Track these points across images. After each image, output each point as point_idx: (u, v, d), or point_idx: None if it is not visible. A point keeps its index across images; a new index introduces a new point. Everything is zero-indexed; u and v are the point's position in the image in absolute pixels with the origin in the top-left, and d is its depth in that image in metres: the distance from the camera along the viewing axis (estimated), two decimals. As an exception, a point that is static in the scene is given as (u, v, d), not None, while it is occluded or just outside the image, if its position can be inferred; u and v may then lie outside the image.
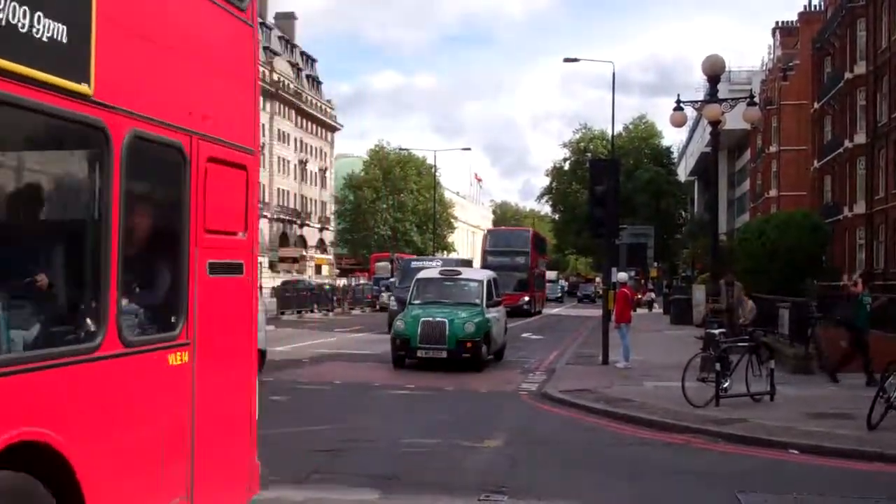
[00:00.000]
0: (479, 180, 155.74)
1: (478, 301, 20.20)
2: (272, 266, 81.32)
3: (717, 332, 15.55)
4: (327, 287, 55.51)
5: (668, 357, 20.48)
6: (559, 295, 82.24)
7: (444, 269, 23.68)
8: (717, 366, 13.79)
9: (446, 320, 18.84)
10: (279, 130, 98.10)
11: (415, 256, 50.27)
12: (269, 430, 11.59)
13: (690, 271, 65.92)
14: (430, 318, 18.95)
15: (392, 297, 33.84)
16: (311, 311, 45.85)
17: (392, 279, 59.27)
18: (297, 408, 13.76)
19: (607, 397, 14.66)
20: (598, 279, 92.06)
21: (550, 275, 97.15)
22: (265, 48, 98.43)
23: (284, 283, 53.59)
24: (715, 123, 18.74)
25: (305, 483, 8.63)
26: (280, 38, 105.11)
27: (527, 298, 47.64)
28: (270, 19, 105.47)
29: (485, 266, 44.80)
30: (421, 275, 22.32)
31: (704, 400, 13.43)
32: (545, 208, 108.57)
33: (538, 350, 25.63)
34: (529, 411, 14.07)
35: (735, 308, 18.12)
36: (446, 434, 11.46)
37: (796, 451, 10.77)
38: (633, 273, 42.72)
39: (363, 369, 19.39)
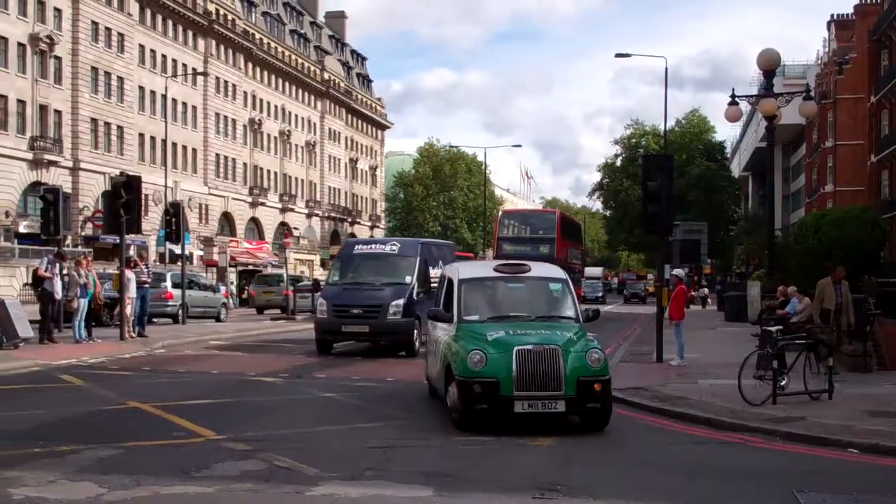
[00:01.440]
0: (530, 178, 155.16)
1: (571, 314, 13.24)
2: (324, 264, 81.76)
3: (773, 329, 15.33)
4: None
5: (724, 355, 20.27)
6: (599, 294, 72.37)
7: (503, 264, 14.45)
8: (774, 363, 13.60)
9: (559, 348, 11.53)
10: (330, 129, 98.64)
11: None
12: (323, 426, 11.71)
13: (745, 268, 65.17)
14: (531, 346, 11.44)
15: (322, 301, 22.50)
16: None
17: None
18: (350, 404, 13.81)
19: (662, 395, 14.54)
20: (650, 276, 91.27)
21: (593, 271, 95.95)
22: (316, 47, 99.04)
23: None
24: (770, 118, 18.50)
25: (360, 479, 8.65)
26: (330, 37, 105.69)
27: None
28: (321, 18, 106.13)
29: (498, 257, 40.70)
30: (465, 274, 13.68)
31: (761, 398, 13.26)
32: (596, 205, 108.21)
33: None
34: (583, 409, 13.95)
35: (845, 308, 17.40)
36: (499, 431, 11.42)
37: (856, 451, 10.59)
38: (686, 270, 42.32)
39: (415, 367, 19.39)
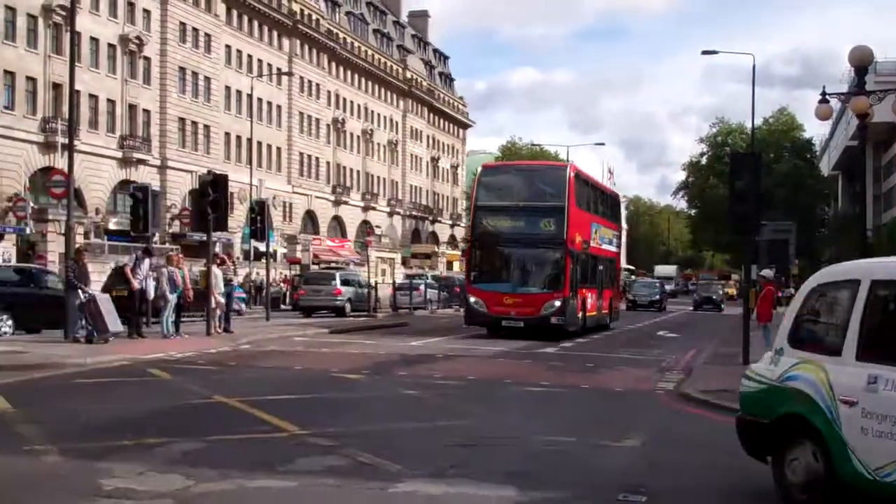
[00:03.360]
0: (611, 175, 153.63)
1: None
2: (405, 262, 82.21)
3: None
4: None
5: (812, 357, 19.81)
6: (656, 299, 55.32)
7: None
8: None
9: None
10: (412, 128, 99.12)
11: None
12: (406, 423, 11.75)
13: (834, 269, 63.63)
14: None
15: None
16: (449, 308, 46.84)
17: None
18: (432, 403, 13.82)
19: (748, 398, 14.22)
20: (735, 277, 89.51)
21: (665, 269, 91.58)
22: (399, 46, 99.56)
23: (437, 279, 55.62)
24: (862, 116, 18.01)
25: (443, 477, 8.63)
26: (413, 36, 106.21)
27: (558, 303, 26.20)
28: (404, 18, 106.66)
29: (474, 238, 28.32)
30: None
31: (852, 402, 12.88)
32: (681, 203, 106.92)
33: (674, 348, 25.16)
34: (667, 411, 13.79)
35: None
36: (582, 432, 11.32)
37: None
38: (773, 270, 41.17)
39: (496, 365, 19.37)
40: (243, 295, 41.64)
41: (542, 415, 13.03)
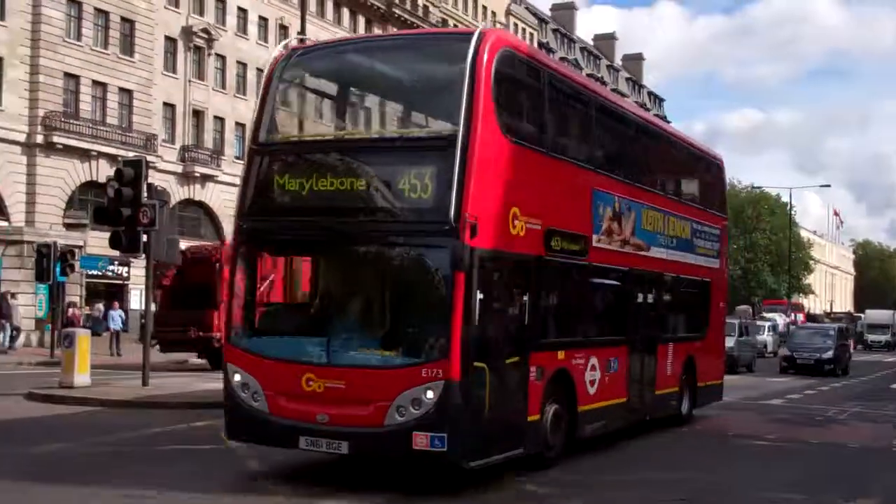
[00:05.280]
0: (838, 216, 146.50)
1: None
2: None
3: None
4: None
5: None
6: (827, 357, 33.50)
7: None
8: None
9: None
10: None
11: None
12: (615, 476, 11.40)
13: None
14: None
15: None
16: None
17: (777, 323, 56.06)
18: (644, 455, 13.40)
19: None
20: None
21: (879, 315, 77.67)
22: (613, 90, 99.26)
23: None
24: None
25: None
26: (627, 79, 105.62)
27: (431, 395, 9.07)
28: (618, 62, 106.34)
29: (242, 230, 10.65)
30: None
31: None
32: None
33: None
34: (906, 470, 12.85)
35: None
36: (811, 489, 10.69)
37: None
38: None
39: (715, 416, 18.65)
40: None
41: (767, 470, 12.40)
